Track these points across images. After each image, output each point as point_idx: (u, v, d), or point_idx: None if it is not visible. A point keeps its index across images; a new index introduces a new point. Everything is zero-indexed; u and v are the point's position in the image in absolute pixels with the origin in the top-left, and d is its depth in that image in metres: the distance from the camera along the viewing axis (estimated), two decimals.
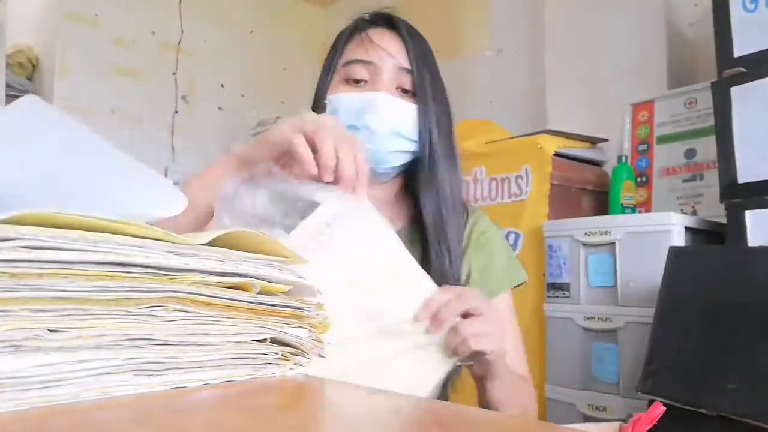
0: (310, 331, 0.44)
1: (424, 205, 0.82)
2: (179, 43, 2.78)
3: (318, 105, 0.84)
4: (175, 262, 0.36)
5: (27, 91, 2.54)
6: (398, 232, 0.78)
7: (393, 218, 0.87)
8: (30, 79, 2.59)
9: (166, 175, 2.70)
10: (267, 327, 0.42)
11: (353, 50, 0.83)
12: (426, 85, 0.81)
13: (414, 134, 0.81)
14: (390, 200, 0.88)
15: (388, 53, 0.81)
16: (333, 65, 0.85)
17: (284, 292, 0.44)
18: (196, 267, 0.37)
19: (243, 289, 0.41)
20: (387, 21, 0.85)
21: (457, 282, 0.81)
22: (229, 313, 0.39)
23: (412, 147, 0.82)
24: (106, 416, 0.30)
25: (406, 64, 0.81)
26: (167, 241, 0.36)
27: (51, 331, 0.31)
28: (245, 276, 0.40)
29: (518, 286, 0.94)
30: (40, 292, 0.31)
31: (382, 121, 0.78)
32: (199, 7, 2.84)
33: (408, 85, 0.81)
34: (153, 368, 0.35)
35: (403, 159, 0.83)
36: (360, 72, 0.81)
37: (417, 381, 0.62)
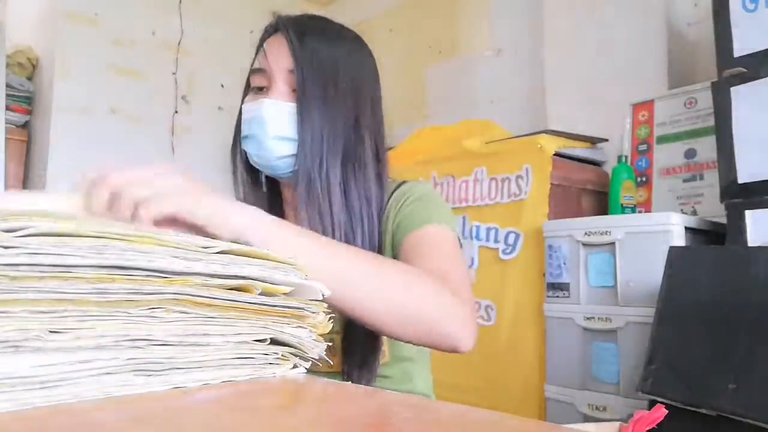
0: (311, 331, 0.44)
1: (298, 212, 0.77)
2: (179, 43, 2.78)
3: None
4: (178, 265, 0.36)
5: (27, 91, 2.54)
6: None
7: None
8: (30, 79, 2.59)
9: None
10: (267, 327, 0.42)
11: (256, 60, 0.85)
12: (306, 82, 0.79)
13: (295, 135, 0.79)
14: None
15: (276, 57, 0.81)
16: (248, 77, 0.87)
17: (285, 294, 0.44)
18: (199, 270, 0.37)
19: (244, 291, 0.41)
20: (276, 24, 0.85)
21: None
22: (229, 314, 0.39)
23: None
24: (106, 416, 0.30)
25: (291, 65, 0.80)
26: (174, 246, 0.36)
27: (51, 332, 0.31)
28: (247, 278, 0.40)
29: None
30: (40, 293, 0.31)
31: (264, 127, 0.79)
32: (199, 7, 2.84)
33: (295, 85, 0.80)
34: (153, 368, 0.35)
35: (293, 163, 0.80)
36: (259, 80, 0.83)
37: None
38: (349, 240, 0.78)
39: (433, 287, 0.64)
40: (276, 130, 0.79)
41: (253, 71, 0.84)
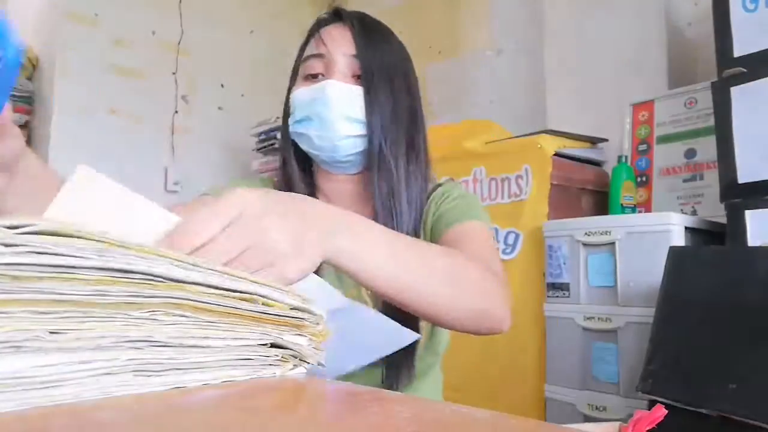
0: (310, 339, 0.44)
1: (374, 187, 0.81)
2: (179, 43, 2.78)
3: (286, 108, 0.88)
4: (177, 273, 0.36)
5: (27, 91, 2.54)
6: None
7: (361, 213, 0.84)
8: (30, 79, 2.59)
9: (166, 175, 2.70)
10: (267, 333, 0.42)
11: (311, 46, 0.86)
12: (373, 68, 0.81)
13: (363, 116, 0.81)
14: (359, 194, 0.88)
15: (337, 43, 0.83)
16: (295, 68, 0.88)
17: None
18: (198, 280, 0.37)
19: (246, 301, 0.41)
20: (337, 15, 0.87)
21: None
22: (229, 319, 0.39)
23: (364, 131, 0.82)
24: (106, 416, 0.30)
25: (354, 51, 0.82)
26: (173, 258, 0.36)
27: (51, 332, 0.31)
28: (246, 293, 0.40)
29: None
30: (41, 294, 0.31)
31: (330, 107, 0.80)
32: (199, 7, 2.84)
33: (359, 71, 0.82)
34: (153, 369, 0.35)
35: (357, 145, 0.83)
36: (315, 66, 0.84)
37: None
38: (396, 223, 0.81)
39: (481, 273, 0.66)
40: (342, 109, 0.80)
41: (309, 57, 0.85)
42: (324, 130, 0.81)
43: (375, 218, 0.79)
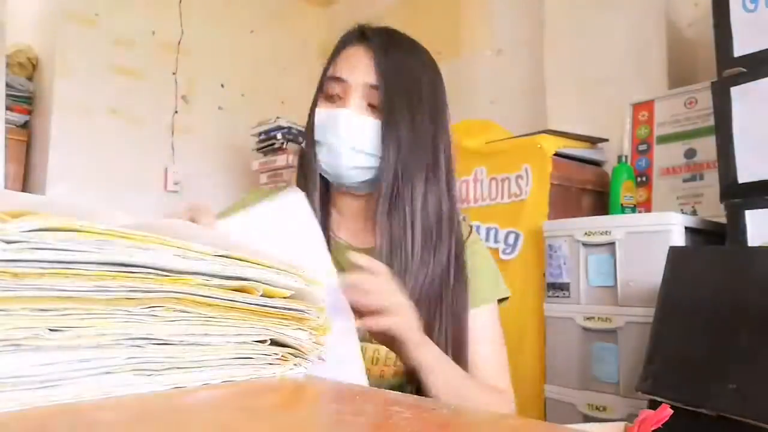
0: (311, 333, 0.44)
1: (377, 223, 0.80)
2: (179, 43, 2.78)
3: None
4: (179, 264, 0.36)
5: (27, 91, 2.54)
6: (369, 250, 0.78)
7: (367, 234, 0.86)
8: (30, 79, 2.58)
9: (166, 175, 2.70)
10: (267, 328, 0.42)
11: (333, 66, 0.85)
12: (394, 99, 0.80)
13: (376, 150, 0.80)
14: (367, 215, 0.87)
15: (357, 69, 0.81)
16: (321, 80, 0.87)
17: (286, 297, 0.44)
18: (199, 269, 0.37)
19: (246, 292, 0.41)
20: (362, 35, 0.85)
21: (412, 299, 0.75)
22: (229, 314, 0.39)
23: (376, 163, 0.81)
24: (106, 416, 0.30)
25: (374, 81, 0.80)
26: (176, 247, 0.36)
27: (51, 330, 0.31)
28: (247, 279, 0.40)
29: (502, 300, 0.92)
30: (41, 291, 0.30)
31: (342, 138, 0.79)
32: (199, 7, 2.84)
33: (376, 101, 0.80)
34: (153, 368, 0.35)
35: (365, 175, 0.82)
36: (335, 88, 0.83)
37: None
38: (428, 246, 0.82)
39: (500, 404, 0.78)
40: (353, 142, 0.80)
41: (330, 78, 0.84)
42: (332, 159, 0.81)
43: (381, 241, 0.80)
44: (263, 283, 0.41)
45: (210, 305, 0.38)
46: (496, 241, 1.80)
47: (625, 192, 1.71)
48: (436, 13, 2.72)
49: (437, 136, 0.84)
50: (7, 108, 2.40)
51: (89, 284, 0.32)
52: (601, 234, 1.51)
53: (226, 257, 0.39)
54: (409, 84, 0.82)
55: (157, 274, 0.35)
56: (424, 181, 0.81)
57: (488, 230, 1.83)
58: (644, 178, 1.82)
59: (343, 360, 0.58)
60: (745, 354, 1.02)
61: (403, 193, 0.80)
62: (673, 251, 1.26)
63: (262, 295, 0.41)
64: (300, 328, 0.44)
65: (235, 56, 2.94)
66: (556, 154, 1.75)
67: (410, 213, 0.80)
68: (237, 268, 0.40)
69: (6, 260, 0.29)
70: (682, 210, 1.70)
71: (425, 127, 0.82)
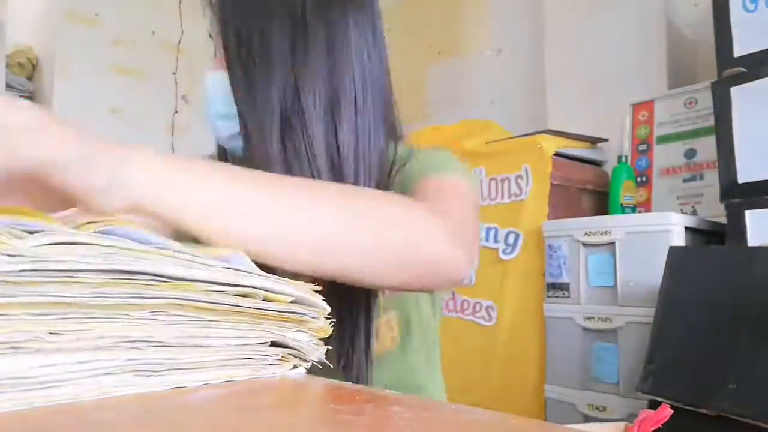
0: (311, 335, 0.44)
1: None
2: (179, 43, 2.78)
3: None
4: (180, 271, 0.36)
5: (27, 91, 2.54)
6: None
7: None
8: (30, 79, 2.59)
9: None
10: (268, 331, 0.42)
11: None
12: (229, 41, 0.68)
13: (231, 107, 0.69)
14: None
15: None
16: None
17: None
18: (201, 277, 0.37)
19: (247, 297, 0.41)
20: None
21: None
22: (230, 317, 0.39)
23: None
24: (106, 416, 0.30)
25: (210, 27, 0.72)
26: (176, 257, 0.36)
27: (51, 333, 0.31)
28: (249, 287, 0.40)
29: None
30: (41, 297, 0.31)
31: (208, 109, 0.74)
32: (199, 7, 2.83)
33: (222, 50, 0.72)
34: (153, 369, 0.35)
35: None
36: None
37: None
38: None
39: (404, 207, 0.50)
40: (215, 109, 0.71)
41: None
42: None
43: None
44: (265, 291, 0.41)
45: (211, 310, 0.38)
46: (496, 241, 1.80)
47: (625, 192, 1.71)
48: (436, 12, 2.72)
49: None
50: None
51: (90, 291, 0.32)
52: (601, 234, 1.51)
53: (230, 268, 0.40)
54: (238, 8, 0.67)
55: (159, 281, 0.35)
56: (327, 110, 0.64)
57: (488, 230, 1.83)
58: (644, 178, 1.82)
59: None
60: (745, 354, 1.02)
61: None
62: (673, 251, 1.26)
63: (263, 300, 0.42)
64: (300, 330, 0.44)
65: None
66: (556, 154, 1.76)
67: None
68: (240, 278, 0.40)
69: (7, 271, 0.29)
70: (682, 210, 1.70)
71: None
